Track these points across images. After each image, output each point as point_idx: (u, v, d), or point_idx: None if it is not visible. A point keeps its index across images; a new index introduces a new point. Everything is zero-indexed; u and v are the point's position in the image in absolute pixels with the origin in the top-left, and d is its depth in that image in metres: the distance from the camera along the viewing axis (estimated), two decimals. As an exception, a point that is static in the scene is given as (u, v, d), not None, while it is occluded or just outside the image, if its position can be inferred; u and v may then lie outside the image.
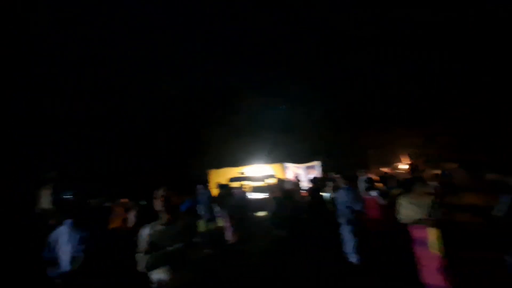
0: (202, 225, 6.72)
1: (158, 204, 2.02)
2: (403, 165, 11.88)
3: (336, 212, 4.60)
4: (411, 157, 12.47)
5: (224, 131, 13.52)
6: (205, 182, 9.18)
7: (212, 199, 7.00)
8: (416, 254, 3.05)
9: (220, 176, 9.77)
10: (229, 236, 6.26)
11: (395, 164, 12.46)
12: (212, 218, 6.67)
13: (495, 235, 2.73)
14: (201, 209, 6.87)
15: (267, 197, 7.39)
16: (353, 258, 4.26)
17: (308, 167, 10.83)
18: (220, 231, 6.57)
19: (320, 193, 6.74)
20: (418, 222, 2.97)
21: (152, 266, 1.85)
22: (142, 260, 1.88)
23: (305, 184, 8.95)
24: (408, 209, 3.09)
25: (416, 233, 3.03)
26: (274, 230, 6.14)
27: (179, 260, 1.87)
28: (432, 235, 2.85)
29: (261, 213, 8.12)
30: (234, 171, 10.45)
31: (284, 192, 6.73)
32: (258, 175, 10.42)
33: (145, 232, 1.97)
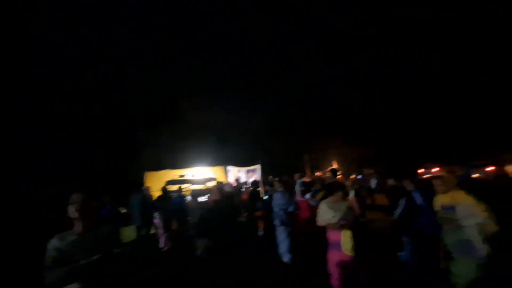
0: (131, 232, 6.19)
1: (72, 211, 1.78)
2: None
3: (272, 214, 4.81)
4: (338, 162, 13.89)
5: (164, 132, 12.88)
6: (139, 185, 8.50)
7: (147, 204, 6.51)
8: (330, 257, 3.13)
9: (157, 179, 9.18)
10: (162, 243, 5.90)
11: (326, 168, 13.73)
12: (145, 224, 6.19)
13: (395, 235, 3.18)
14: (133, 215, 6.33)
15: (191, 202, 7.13)
16: (286, 258, 4.51)
17: (249, 171, 11.05)
18: (154, 238, 6.16)
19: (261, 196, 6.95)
20: (333, 225, 3.08)
21: (59, 283, 1.61)
22: (48, 276, 1.62)
23: (246, 187, 9.09)
24: (326, 213, 3.19)
25: (332, 236, 3.13)
26: (209, 235, 6.05)
27: (94, 274, 1.67)
28: (345, 237, 2.99)
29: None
30: (173, 174, 9.95)
31: (223, 195, 6.70)
32: (199, 178, 10.14)
33: (53, 244, 1.71)
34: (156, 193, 7.16)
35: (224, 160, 11.49)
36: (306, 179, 8.79)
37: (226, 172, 10.81)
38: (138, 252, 5.32)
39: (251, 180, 9.97)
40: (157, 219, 6.16)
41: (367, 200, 7.46)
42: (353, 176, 9.45)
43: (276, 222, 4.67)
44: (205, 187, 9.15)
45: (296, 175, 8.50)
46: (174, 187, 7.89)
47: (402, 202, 3.16)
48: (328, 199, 3.31)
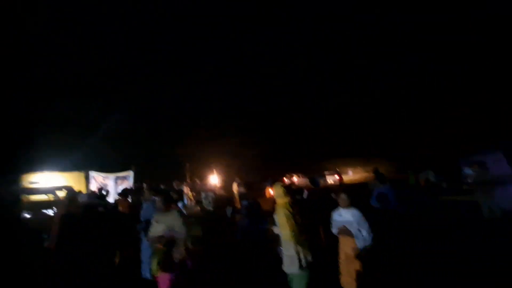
0: None
1: None
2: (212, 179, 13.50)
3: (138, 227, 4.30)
4: (218, 171, 14.49)
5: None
6: None
7: None
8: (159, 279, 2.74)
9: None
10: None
11: (208, 176, 13.97)
12: None
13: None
14: None
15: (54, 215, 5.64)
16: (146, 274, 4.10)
17: (119, 178, 9.61)
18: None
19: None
20: (155, 239, 2.75)
21: None
22: None
23: (112, 197, 7.82)
24: (154, 226, 2.85)
25: None
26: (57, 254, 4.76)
27: None
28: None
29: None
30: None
31: (78, 208, 5.47)
32: (44, 186, 7.91)
33: None
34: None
35: (86, 164, 9.50)
36: (186, 187, 8.58)
37: (87, 179, 8.98)
38: None
39: (120, 188, 8.71)
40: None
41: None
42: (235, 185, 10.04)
43: (142, 235, 4.19)
44: (53, 198, 7.19)
45: (175, 183, 8.15)
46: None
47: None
48: (159, 211, 2.95)
